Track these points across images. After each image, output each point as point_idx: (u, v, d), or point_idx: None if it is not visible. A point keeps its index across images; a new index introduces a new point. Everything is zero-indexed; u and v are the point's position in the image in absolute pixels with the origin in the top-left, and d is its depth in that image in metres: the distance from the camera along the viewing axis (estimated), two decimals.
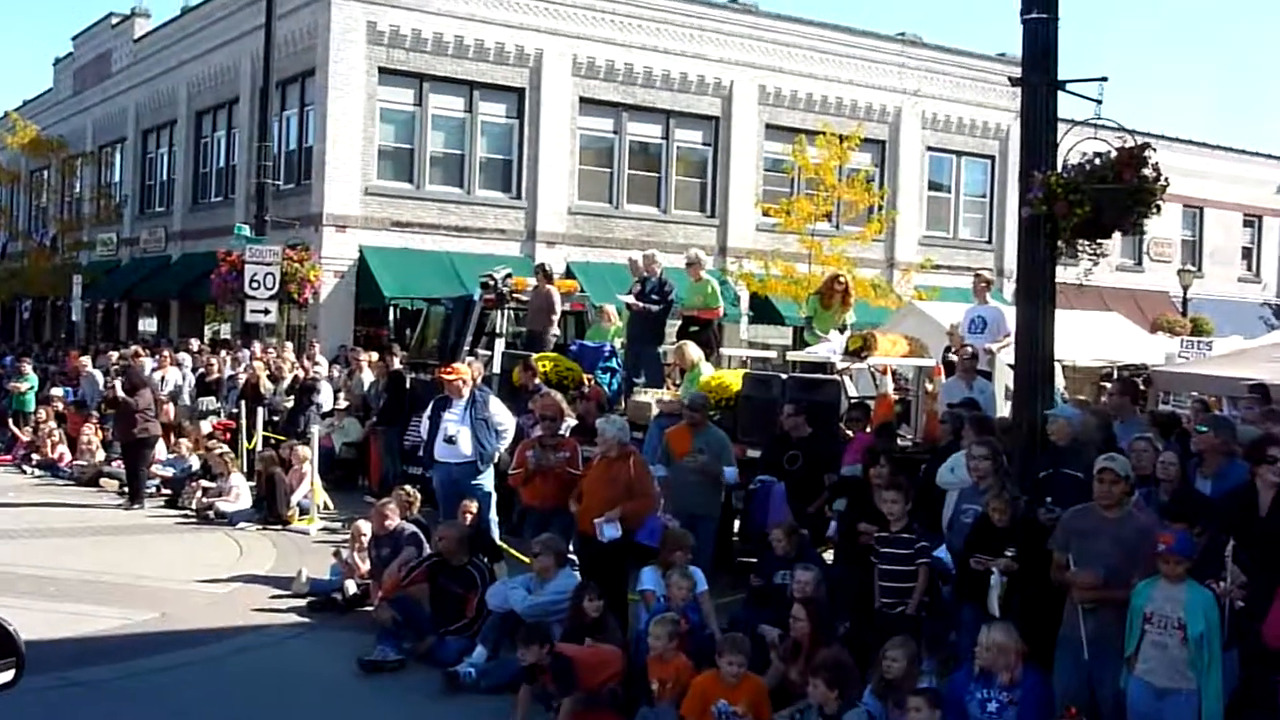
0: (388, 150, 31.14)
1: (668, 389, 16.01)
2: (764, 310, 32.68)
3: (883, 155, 37.59)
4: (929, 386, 15.58)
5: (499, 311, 20.26)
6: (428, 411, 13.92)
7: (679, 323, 17.58)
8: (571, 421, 14.37)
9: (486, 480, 13.55)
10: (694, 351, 15.41)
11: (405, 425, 18.47)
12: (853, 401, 14.44)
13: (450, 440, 13.33)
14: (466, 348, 19.42)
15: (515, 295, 19.84)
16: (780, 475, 12.80)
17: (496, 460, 13.74)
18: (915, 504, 9.95)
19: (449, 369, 14.17)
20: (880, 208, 33.81)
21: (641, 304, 16.97)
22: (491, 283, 19.73)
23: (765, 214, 33.15)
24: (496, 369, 18.31)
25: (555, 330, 18.94)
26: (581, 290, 22.85)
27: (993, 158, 39.74)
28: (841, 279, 16.74)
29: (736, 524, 14.28)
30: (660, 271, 17.35)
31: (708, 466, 12.53)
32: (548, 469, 12.17)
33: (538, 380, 16.21)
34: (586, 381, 16.93)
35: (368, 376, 21.00)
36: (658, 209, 34.48)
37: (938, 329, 20.36)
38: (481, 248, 31.35)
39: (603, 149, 33.98)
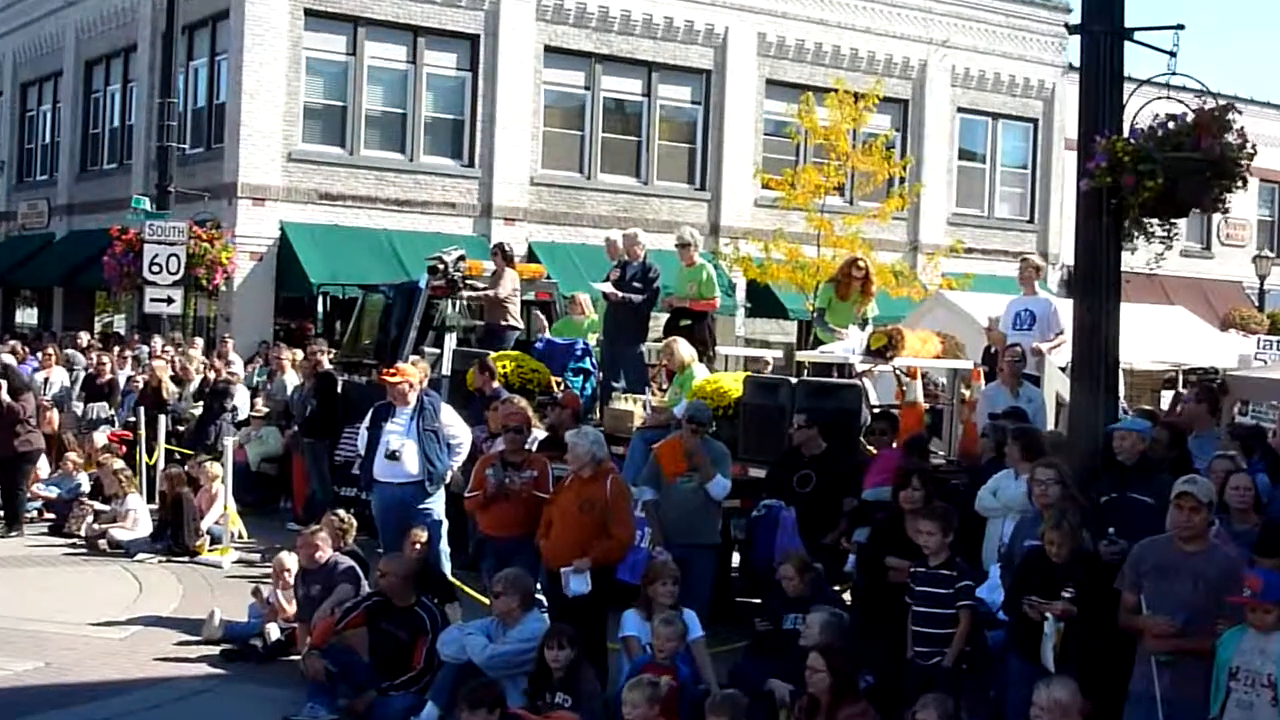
0: (315, 108, 31.06)
1: (653, 395, 15.93)
2: (764, 301, 32.69)
3: (905, 117, 37.63)
4: (966, 393, 15.55)
5: (449, 301, 20.14)
6: (365, 422, 13.83)
7: (667, 315, 17.50)
8: (540, 434, 14.29)
9: (437, 504, 13.46)
10: (685, 350, 15.31)
11: (337, 437, 18.34)
12: (876, 411, 14.38)
13: (393, 456, 13.23)
14: (411, 345, 19.30)
15: (469, 282, 19.73)
16: (789, 499, 12.71)
17: (449, 480, 13.64)
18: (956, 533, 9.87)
19: (391, 370, 14.08)
20: (902, 180, 33.88)
21: (621, 293, 16.87)
22: (440, 267, 19.61)
23: (765, 187, 33.20)
24: (446, 370, 18.26)
25: (517, 323, 18.83)
26: (548, 277, 22.73)
27: (1035, 121, 39.83)
28: (861, 263, 16.70)
29: (736, 557, 14.21)
30: (644, 254, 17.25)
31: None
32: (511, 492, 12.08)
33: (496, 384, 16.12)
34: (556, 386, 16.84)
35: (291, 379, 20.86)
36: (637, 180, 34.47)
37: (970, 324, 20.39)
38: (427, 225, 31.34)
39: (572, 108, 33.92)
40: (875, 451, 13.24)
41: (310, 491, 19.00)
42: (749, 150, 35.26)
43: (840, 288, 16.46)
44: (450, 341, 19.02)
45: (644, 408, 15.27)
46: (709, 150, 35.18)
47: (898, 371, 15.59)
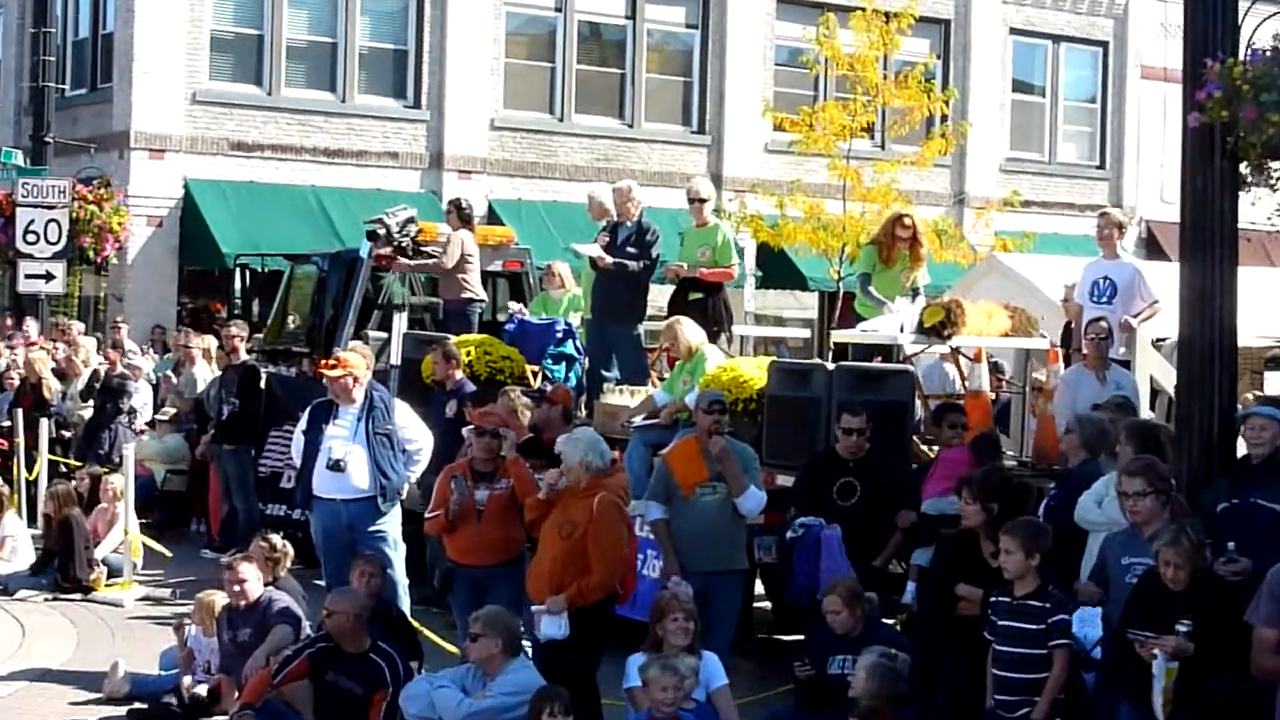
0: (225, 38, 31.00)
1: (653, 386, 15.80)
2: (777, 269, 32.65)
3: (947, 42, 37.60)
4: (1041, 379, 15.43)
5: (398, 274, 20.05)
6: (301, 424, 13.79)
7: (670, 288, 17.40)
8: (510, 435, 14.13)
9: (391, 525, 13.39)
10: (691, 333, 15.17)
11: (261, 443, 18.41)
12: (940, 404, 14.24)
13: (337, 466, 13.15)
14: (351, 328, 19.23)
15: (421, 249, 19.62)
16: (829, 515, 12.58)
17: (404, 495, 13.57)
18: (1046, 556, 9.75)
19: (330, 360, 14.00)
20: (944, 118, 33.70)
21: (613, 260, 16.75)
22: (383, 231, 19.51)
23: (778, 128, 33.03)
24: (396, 358, 18.11)
25: (478, 294, 18.69)
26: (516, 242, 22.59)
27: (1105, 45, 39.79)
28: (907, 219, 16.56)
29: (760, 586, 14.10)
30: (640, 212, 17.14)
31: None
32: (481, 509, 12.07)
33: (459, 374, 16.01)
34: (533, 376, 16.73)
35: (203, 372, 20.77)
36: (621, 122, 34.50)
37: (1031, 294, 20.27)
38: (365, 180, 31.33)
39: (540, 36, 33.93)
40: (933, 453, 13.11)
41: (228, 510, 18.94)
42: (757, 84, 35.21)
43: (883, 250, 16.34)
44: (400, 323, 18.89)
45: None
46: (708, 85, 35.15)
47: (957, 353, 15.51)
